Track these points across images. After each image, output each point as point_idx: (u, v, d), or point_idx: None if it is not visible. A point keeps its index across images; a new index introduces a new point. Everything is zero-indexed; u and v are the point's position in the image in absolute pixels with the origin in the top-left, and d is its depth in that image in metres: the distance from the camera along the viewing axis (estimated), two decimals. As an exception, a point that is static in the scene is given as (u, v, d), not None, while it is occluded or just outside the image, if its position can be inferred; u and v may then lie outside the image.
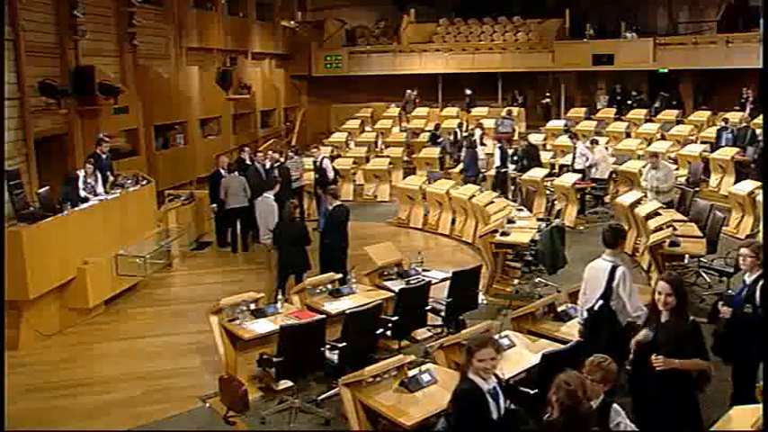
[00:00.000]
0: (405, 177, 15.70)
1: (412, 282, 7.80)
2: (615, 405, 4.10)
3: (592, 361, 4.24)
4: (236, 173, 12.24)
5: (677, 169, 13.81)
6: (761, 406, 4.19)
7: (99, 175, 10.49)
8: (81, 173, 10.22)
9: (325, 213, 9.96)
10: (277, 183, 10.48)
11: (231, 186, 11.81)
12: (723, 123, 16.21)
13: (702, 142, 16.01)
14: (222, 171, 12.06)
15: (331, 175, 13.55)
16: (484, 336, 4.67)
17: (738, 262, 5.71)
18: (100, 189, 10.39)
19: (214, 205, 12.03)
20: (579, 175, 13.31)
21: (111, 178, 10.90)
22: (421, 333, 7.76)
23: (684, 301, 4.77)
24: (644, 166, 13.06)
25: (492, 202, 11.82)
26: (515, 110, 20.21)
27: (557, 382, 3.79)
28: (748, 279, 5.50)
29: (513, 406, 4.31)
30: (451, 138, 17.86)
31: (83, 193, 9.98)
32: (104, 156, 11.29)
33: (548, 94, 22.82)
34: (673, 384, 4.64)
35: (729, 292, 6.29)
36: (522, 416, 4.32)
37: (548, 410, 3.82)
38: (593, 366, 4.20)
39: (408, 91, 21.76)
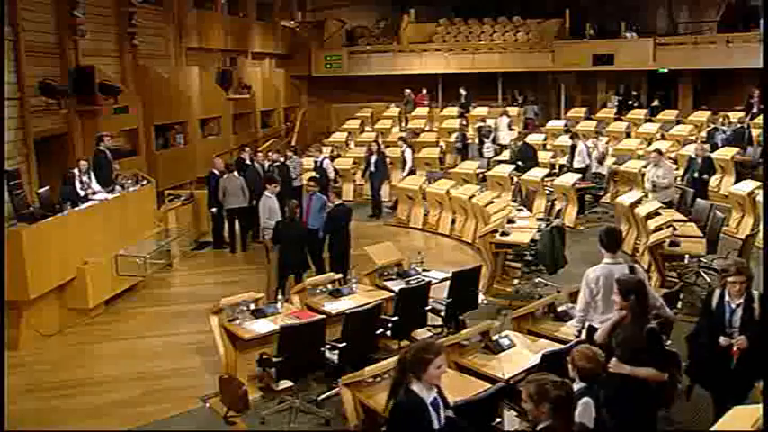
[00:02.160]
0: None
1: (412, 282, 7.80)
2: (587, 399, 4.00)
3: (578, 349, 4.26)
4: (236, 173, 12.24)
5: (677, 169, 13.81)
6: (761, 406, 4.19)
7: (92, 173, 10.51)
8: (76, 171, 10.23)
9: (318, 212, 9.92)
10: (275, 182, 10.46)
11: (229, 187, 11.79)
12: (713, 124, 16.41)
13: (703, 142, 16.00)
14: (216, 172, 12.01)
15: (332, 175, 13.61)
16: (434, 342, 4.41)
17: (729, 289, 5.18)
18: (95, 186, 10.38)
19: (214, 209, 11.98)
20: (579, 175, 13.32)
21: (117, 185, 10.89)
22: (421, 333, 7.75)
23: (644, 306, 4.79)
24: (645, 166, 13.11)
25: (492, 202, 11.84)
26: (515, 110, 20.23)
27: (540, 397, 3.67)
28: (734, 303, 5.15)
29: (451, 414, 4.06)
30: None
31: (81, 192, 9.98)
32: (108, 152, 11.28)
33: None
34: (628, 395, 4.52)
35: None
36: (463, 427, 4.14)
37: (540, 422, 3.71)
38: (581, 352, 4.20)
39: (408, 91, 21.74)
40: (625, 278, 5.02)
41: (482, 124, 17.88)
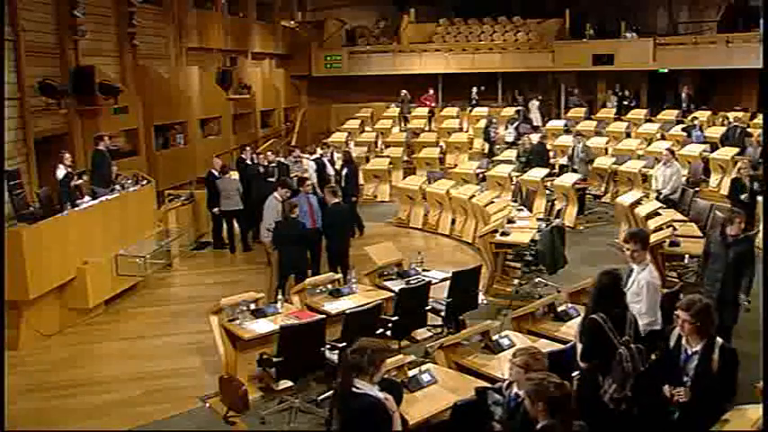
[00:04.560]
0: (405, 177, 15.73)
1: (412, 282, 7.79)
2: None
3: (518, 348, 4.51)
4: (236, 173, 12.20)
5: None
6: (761, 406, 4.19)
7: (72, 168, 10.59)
8: (62, 167, 10.27)
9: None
10: (288, 186, 10.37)
11: (224, 189, 11.78)
12: (691, 122, 16.89)
13: (702, 142, 16.05)
14: (215, 172, 12.01)
15: (331, 171, 13.58)
16: (380, 341, 4.51)
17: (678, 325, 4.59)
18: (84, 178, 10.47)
19: (216, 210, 11.93)
20: (579, 175, 13.31)
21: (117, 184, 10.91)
22: (421, 333, 7.76)
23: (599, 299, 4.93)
24: (645, 165, 13.11)
25: (492, 202, 11.83)
26: (496, 118, 20.27)
27: (534, 394, 3.71)
28: (690, 348, 4.50)
29: None
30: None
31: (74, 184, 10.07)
32: (107, 152, 11.28)
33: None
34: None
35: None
36: None
37: (538, 422, 3.73)
38: (519, 350, 4.42)
39: (404, 92, 21.70)
40: (604, 270, 5.17)
41: (518, 108, 19.41)
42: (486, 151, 17.89)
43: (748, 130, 15.90)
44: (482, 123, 19.30)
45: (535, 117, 20.49)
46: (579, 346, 4.92)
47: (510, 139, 17.97)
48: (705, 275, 6.83)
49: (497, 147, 17.65)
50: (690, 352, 4.49)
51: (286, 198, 9.86)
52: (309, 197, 9.86)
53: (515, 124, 18.79)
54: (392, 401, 4.04)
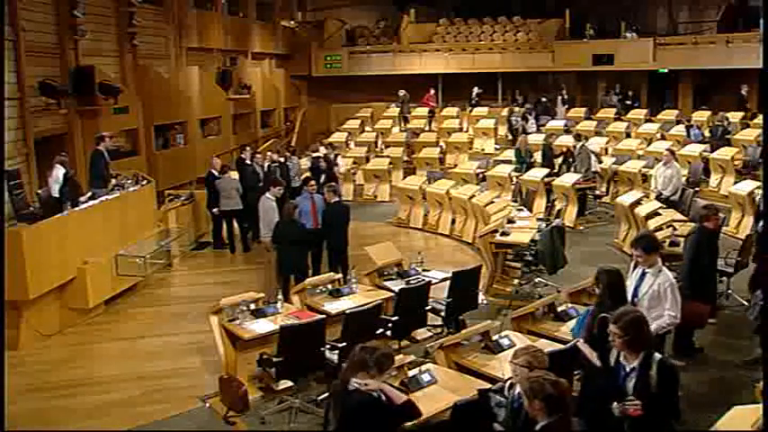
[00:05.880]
0: (405, 177, 15.74)
1: (412, 282, 7.79)
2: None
3: (519, 348, 4.48)
4: (235, 173, 12.18)
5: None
6: (761, 406, 4.19)
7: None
8: (60, 167, 10.30)
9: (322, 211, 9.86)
10: (280, 184, 10.42)
11: (224, 189, 11.79)
12: (687, 122, 17.09)
13: (702, 142, 16.08)
14: (214, 172, 12.01)
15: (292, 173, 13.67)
16: (386, 346, 4.56)
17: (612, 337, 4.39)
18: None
19: (216, 210, 11.93)
20: (579, 175, 13.31)
21: (113, 180, 10.91)
22: (421, 333, 7.76)
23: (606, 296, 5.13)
24: (645, 165, 13.10)
25: (492, 202, 11.83)
26: (516, 109, 20.34)
27: (531, 392, 3.71)
28: (628, 364, 4.28)
29: None
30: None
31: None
32: (106, 152, 11.28)
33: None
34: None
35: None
36: None
37: (538, 421, 3.73)
38: (520, 350, 4.39)
39: (402, 92, 21.69)
40: (603, 269, 5.27)
41: (543, 99, 20.89)
42: (510, 139, 18.61)
43: (733, 129, 16.10)
44: (482, 123, 19.51)
45: (560, 111, 20.99)
46: (585, 348, 4.83)
47: (533, 129, 18.61)
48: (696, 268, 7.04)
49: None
50: (628, 369, 4.28)
51: (280, 196, 9.90)
52: (313, 196, 9.84)
53: (534, 114, 19.58)
54: (375, 383, 4.04)
